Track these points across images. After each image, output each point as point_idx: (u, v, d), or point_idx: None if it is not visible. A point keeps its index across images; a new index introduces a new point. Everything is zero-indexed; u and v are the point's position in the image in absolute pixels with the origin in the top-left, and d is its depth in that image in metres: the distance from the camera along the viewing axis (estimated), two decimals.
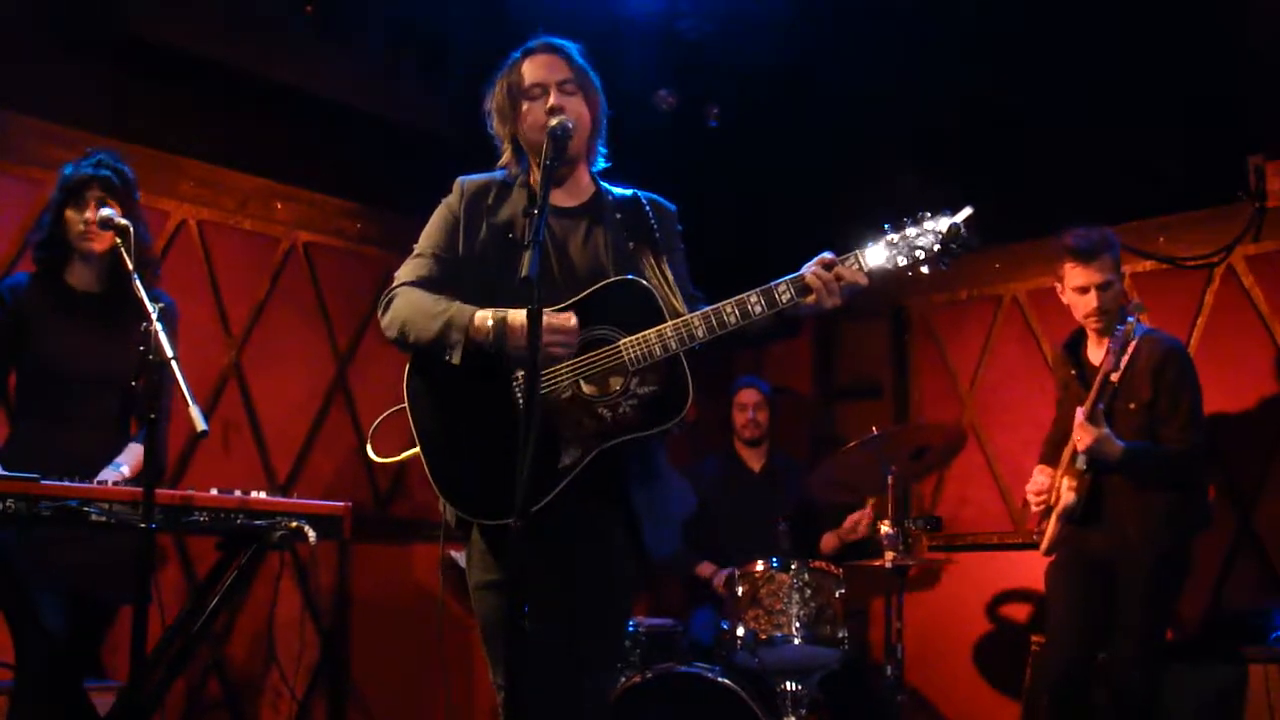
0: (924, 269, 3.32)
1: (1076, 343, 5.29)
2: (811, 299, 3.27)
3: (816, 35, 6.03)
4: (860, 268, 3.31)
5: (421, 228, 3.54)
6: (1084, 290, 5.06)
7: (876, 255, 3.32)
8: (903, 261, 3.31)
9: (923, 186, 6.07)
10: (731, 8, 6.10)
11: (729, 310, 3.28)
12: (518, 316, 3.18)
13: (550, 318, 3.14)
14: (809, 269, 3.29)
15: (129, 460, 4.30)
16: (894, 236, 3.32)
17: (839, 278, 3.28)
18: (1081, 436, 4.90)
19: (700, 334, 3.26)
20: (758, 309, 3.28)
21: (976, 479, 7.00)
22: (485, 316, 3.24)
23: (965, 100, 6.27)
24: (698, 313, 3.28)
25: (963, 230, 3.31)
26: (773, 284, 3.30)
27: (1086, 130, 6.24)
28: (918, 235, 3.31)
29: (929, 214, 3.33)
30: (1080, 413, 4.92)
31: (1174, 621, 5.13)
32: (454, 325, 3.25)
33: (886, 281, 3.37)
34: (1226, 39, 5.75)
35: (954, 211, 3.32)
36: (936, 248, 3.31)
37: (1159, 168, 6.24)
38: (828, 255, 3.31)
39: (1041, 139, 6.38)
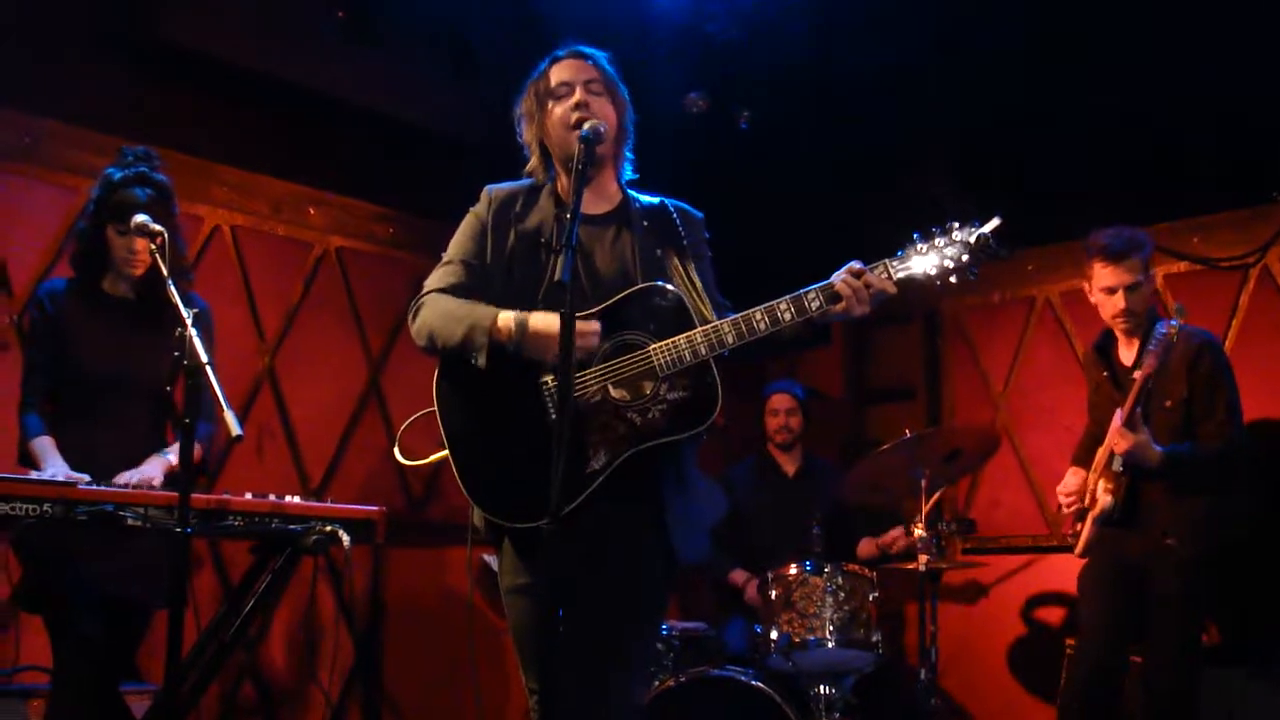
0: (952, 279, 3.31)
1: (1107, 343, 5.25)
2: (841, 306, 3.28)
3: (847, 39, 6.02)
4: (889, 276, 3.31)
5: (453, 232, 3.56)
6: (1111, 291, 5.02)
7: (905, 265, 3.32)
8: (932, 271, 3.31)
9: (954, 189, 6.06)
10: (761, 11, 6.09)
11: (759, 317, 3.28)
12: (538, 321, 3.21)
13: None
14: (838, 277, 3.30)
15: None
16: (923, 246, 3.32)
17: (868, 285, 3.28)
18: (1119, 442, 4.86)
19: (730, 340, 3.26)
20: (787, 316, 3.29)
21: (1010, 482, 6.97)
22: (508, 319, 3.26)
23: (997, 102, 6.24)
24: (727, 319, 3.29)
25: (991, 241, 3.30)
26: (802, 291, 3.30)
27: (1120, 131, 6.21)
28: (946, 245, 3.31)
29: (958, 224, 3.32)
30: (1118, 417, 4.87)
31: (1209, 626, 5.08)
32: (477, 328, 3.27)
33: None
34: (1261, 38, 5.70)
35: (983, 222, 3.32)
36: (965, 258, 3.30)
37: (1193, 169, 6.20)
38: (857, 264, 3.31)
39: (1075, 140, 6.34)
